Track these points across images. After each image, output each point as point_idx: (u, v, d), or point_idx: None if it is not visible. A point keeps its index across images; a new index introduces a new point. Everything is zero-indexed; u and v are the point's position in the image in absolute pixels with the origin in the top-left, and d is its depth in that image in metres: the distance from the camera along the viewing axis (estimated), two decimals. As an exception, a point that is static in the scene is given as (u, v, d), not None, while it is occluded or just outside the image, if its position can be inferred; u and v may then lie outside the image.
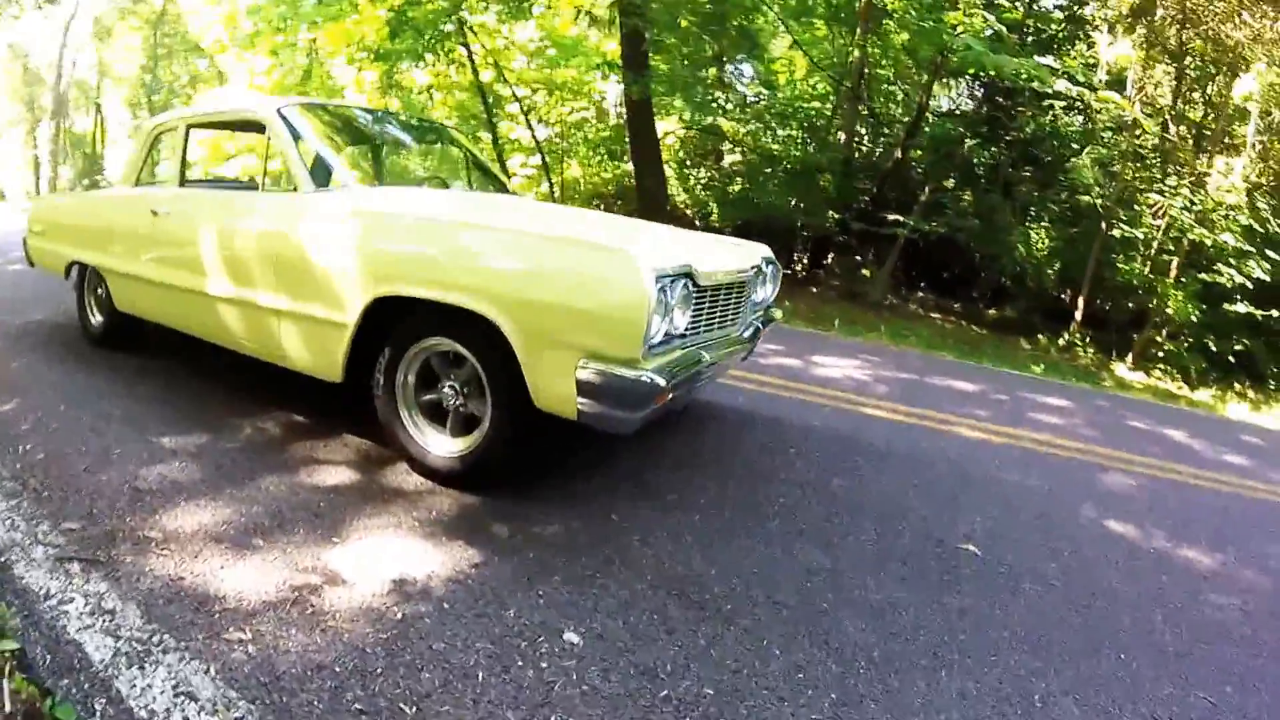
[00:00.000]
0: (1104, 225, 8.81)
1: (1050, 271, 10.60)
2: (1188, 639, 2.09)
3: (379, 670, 1.47)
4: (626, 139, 13.35)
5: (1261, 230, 7.51)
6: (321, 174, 2.68)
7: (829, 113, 13.10)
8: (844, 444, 3.32)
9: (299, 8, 9.83)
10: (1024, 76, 7.67)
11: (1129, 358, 9.51)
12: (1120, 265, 9.79)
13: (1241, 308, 7.93)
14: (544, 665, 1.51)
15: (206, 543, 1.91)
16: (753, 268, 2.72)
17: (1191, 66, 8.30)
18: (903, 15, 11.16)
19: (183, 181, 3.29)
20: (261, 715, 1.32)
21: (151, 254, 3.13)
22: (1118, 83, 9.69)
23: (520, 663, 1.51)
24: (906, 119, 12.79)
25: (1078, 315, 10.15)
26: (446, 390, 2.29)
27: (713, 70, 12.74)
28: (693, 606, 1.78)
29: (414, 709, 1.36)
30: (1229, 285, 7.72)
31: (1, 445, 2.40)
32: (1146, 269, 9.45)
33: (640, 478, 2.58)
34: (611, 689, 1.46)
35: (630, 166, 13.76)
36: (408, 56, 9.70)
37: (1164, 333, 9.40)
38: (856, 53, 11.70)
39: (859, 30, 11.57)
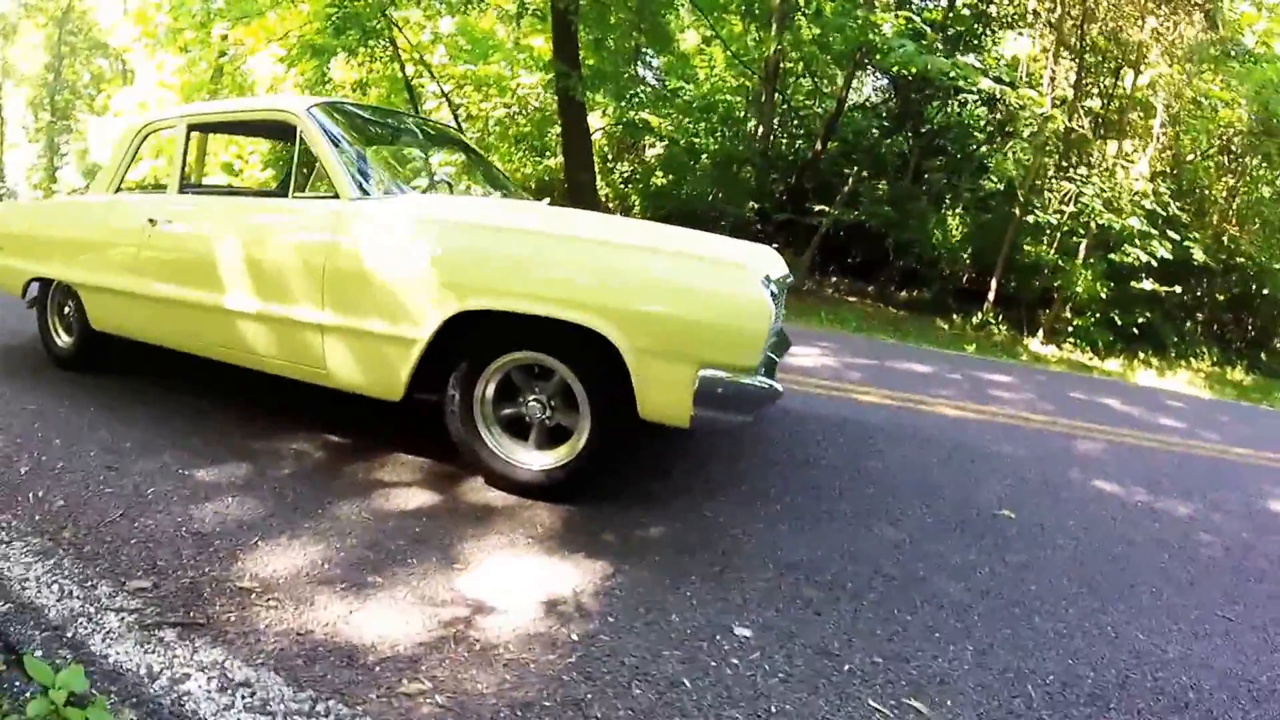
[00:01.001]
0: (1017, 211, 9.75)
1: (964, 255, 11.57)
2: (1194, 573, 2.53)
3: (589, 696, 1.48)
4: (548, 134, 13.50)
5: (1163, 213, 8.58)
6: (364, 179, 2.64)
7: (745, 106, 13.72)
8: (856, 429, 3.67)
9: (210, 3, 9.40)
10: (952, 75, 8.39)
11: (1040, 333, 10.56)
12: (1028, 248, 10.82)
13: (1147, 285, 9.03)
14: (734, 661, 1.64)
15: (315, 586, 1.80)
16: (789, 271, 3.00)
17: (1091, 61, 9.31)
18: (815, 12, 11.92)
19: (182, 187, 3.17)
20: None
21: (147, 267, 3.00)
22: (1022, 75, 10.71)
23: (713, 662, 1.63)
24: (820, 111, 13.60)
25: (991, 296, 11.13)
26: (532, 404, 2.35)
27: (633, 65, 13.07)
28: (822, 587, 2.03)
29: None
30: (1136, 264, 8.78)
31: (6, 493, 2.17)
32: (1052, 250, 10.51)
33: (706, 474, 2.80)
34: (801, 671, 1.64)
35: (551, 161, 13.92)
36: (343, 49, 9.48)
37: (1068, 309, 10.50)
38: (773, 48, 12.32)
39: (774, 26, 12.23)
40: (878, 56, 9.51)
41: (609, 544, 2.16)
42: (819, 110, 13.76)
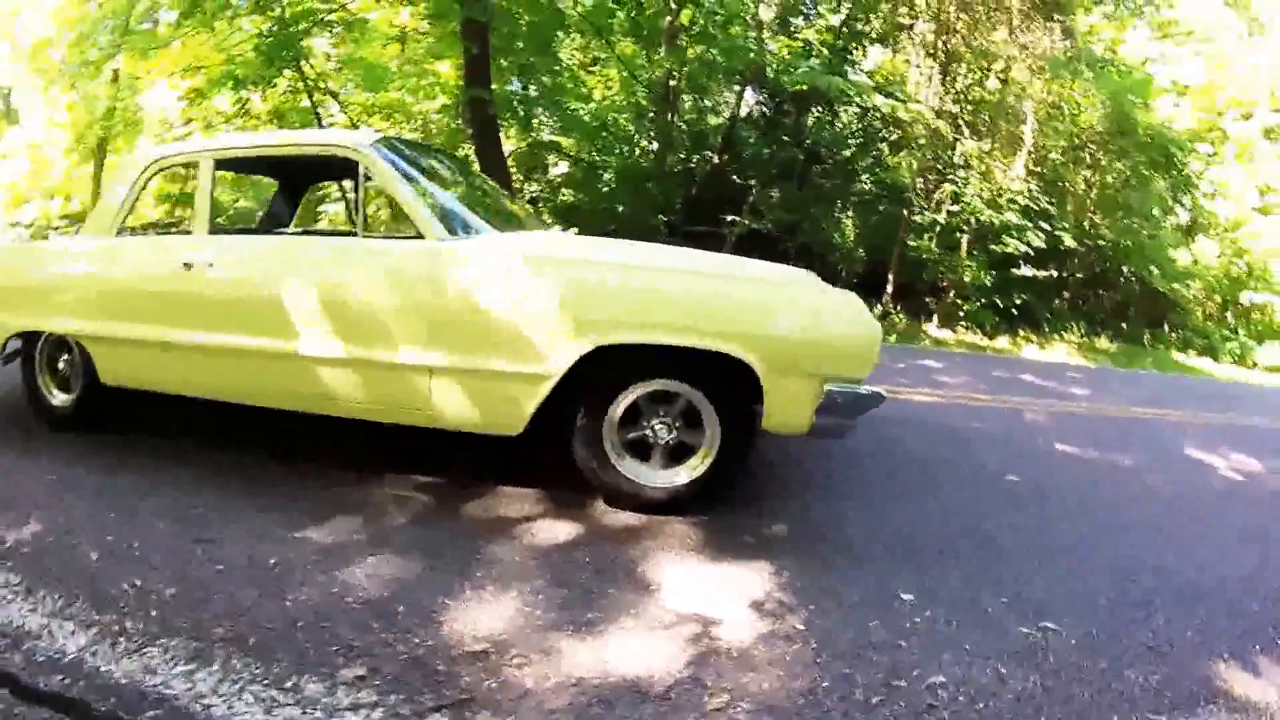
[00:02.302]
0: (905, 212, 10.97)
1: (861, 253, 12.78)
2: (1161, 509, 3.25)
3: (849, 670, 1.79)
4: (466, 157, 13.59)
5: (1035, 207, 9.99)
6: (446, 218, 2.72)
7: (633, 122, 14.44)
8: (864, 420, 4.27)
9: (98, 36, 8.97)
10: (851, 92, 9.40)
11: (935, 320, 11.88)
12: (914, 243, 12.14)
13: (1027, 271, 10.47)
14: (917, 619, 2.04)
15: (545, 634, 1.86)
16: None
17: (957, 71, 10.67)
18: (699, 35, 12.86)
19: (213, 228, 3.09)
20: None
21: (185, 315, 2.91)
22: (893, 82, 12.03)
23: (906, 623, 2.01)
24: (705, 128, 14.54)
25: (889, 289, 12.36)
26: (657, 426, 2.58)
27: (531, 86, 13.42)
28: (930, 551, 2.52)
29: (904, 681, 1.76)
30: (1015, 253, 10.17)
31: (93, 589, 1.94)
32: (933, 244, 11.86)
33: (784, 474, 3.24)
34: (964, 617, 2.07)
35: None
36: (268, 79, 9.31)
37: (952, 295, 11.89)
38: (666, 67, 13.10)
39: (664, 47, 13.04)
40: (776, 74, 10.39)
41: (752, 545, 2.46)
42: (704, 127, 14.68)
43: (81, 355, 3.20)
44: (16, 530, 2.31)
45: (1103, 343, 10.77)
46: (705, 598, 2.11)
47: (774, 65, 10.19)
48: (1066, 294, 11.58)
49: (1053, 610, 2.19)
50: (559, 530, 2.52)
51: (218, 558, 2.16)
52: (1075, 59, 9.46)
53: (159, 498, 2.58)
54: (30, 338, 3.36)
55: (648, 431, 2.64)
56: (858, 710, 1.65)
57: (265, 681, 1.60)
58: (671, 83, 13.60)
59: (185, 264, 2.91)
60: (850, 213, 12.76)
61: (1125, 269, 11.07)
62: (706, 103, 14.78)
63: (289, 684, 1.59)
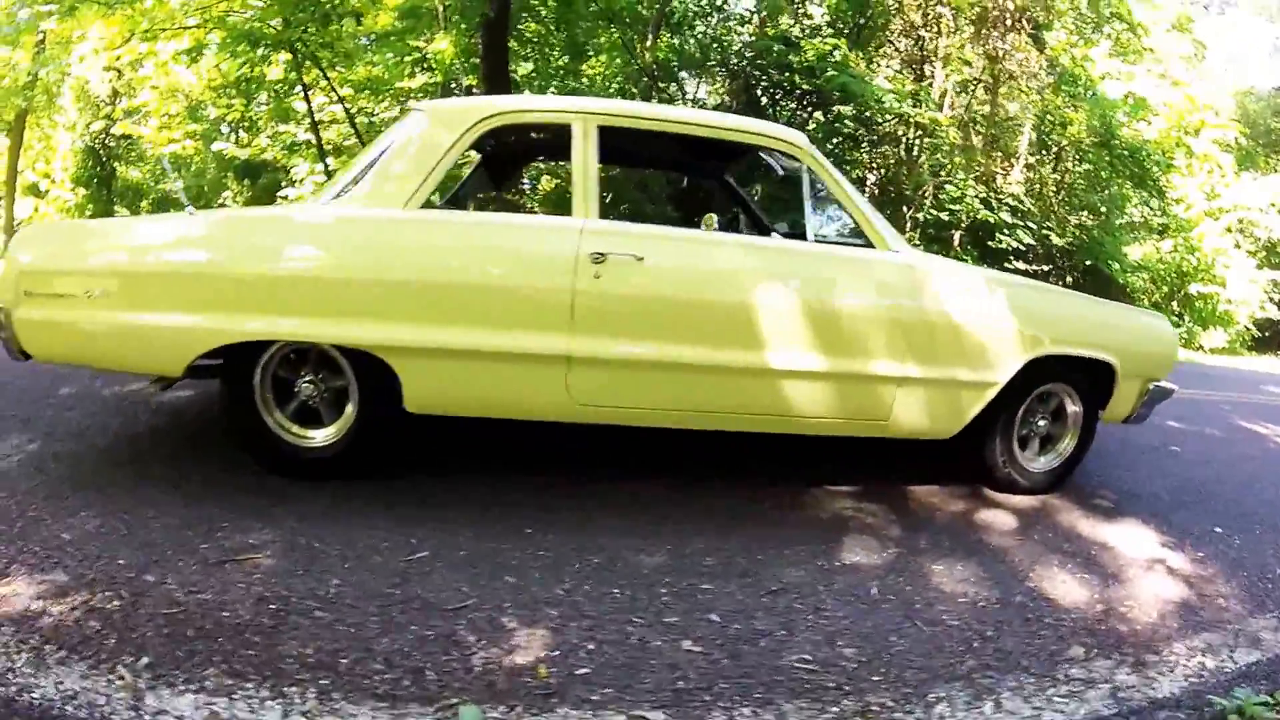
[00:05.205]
0: (906, 209, 13.14)
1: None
2: (1260, 463, 5.09)
3: (1236, 570, 2.93)
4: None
5: (1023, 208, 12.37)
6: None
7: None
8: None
9: None
10: (883, 101, 11.28)
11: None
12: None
13: (1021, 265, 12.90)
14: (1237, 541, 3.25)
15: (1087, 587, 2.64)
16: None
17: (936, 77, 12.87)
18: (681, 22, 14.36)
19: (604, 212, 2.78)
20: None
21: (604, 319, 2.66)
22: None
23: (1234, 544, 3.22)
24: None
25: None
26: (1040, 421, 3.39)
27: (524, 68, 14.30)
28: (1195, 502, 3.87)
29: (1272, 573, 2.95)
30: (1007, 249, 12.55)
31: (717, 667, 1.96)
32: (917, 239, 14.13)
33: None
34: (1255, 538, 3.35)
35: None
36: (282, 47, 9.65)
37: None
38: (652, 57, 14.50)
39: (651, 37, 14.45)
40: (793, 72, 12.10)
41: (1109, 508, 3.53)
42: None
43: (360, 374, 2.67)
44: (461, 647, 1.90)
45: (1073, 327, 13.48)
46: (1134, 545, 3.09)
47: (798, 63, 11.88)
48: (1035, 283, 14.23)
49: (1258, 522, 3.67)
50: (997, 518, 3.25)
51: (785, 608, 2.31)
52: (1056, 75, 11.83)
53: (590, 552, 2.51)
54: (237, 352, 2.61)
55: (1034, 427, 3.42)
56: (1260, 594, 2.80)
57: (1032, 683, 2.03)
58: (657, 70, 15.01)
59: (595, 255, 2.62)
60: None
61: (1086, 262, 13.86)
62: (685, 91, 16.30)
63: (1054, 676, 2.07)
